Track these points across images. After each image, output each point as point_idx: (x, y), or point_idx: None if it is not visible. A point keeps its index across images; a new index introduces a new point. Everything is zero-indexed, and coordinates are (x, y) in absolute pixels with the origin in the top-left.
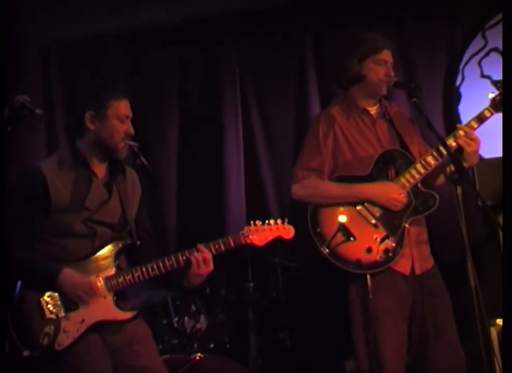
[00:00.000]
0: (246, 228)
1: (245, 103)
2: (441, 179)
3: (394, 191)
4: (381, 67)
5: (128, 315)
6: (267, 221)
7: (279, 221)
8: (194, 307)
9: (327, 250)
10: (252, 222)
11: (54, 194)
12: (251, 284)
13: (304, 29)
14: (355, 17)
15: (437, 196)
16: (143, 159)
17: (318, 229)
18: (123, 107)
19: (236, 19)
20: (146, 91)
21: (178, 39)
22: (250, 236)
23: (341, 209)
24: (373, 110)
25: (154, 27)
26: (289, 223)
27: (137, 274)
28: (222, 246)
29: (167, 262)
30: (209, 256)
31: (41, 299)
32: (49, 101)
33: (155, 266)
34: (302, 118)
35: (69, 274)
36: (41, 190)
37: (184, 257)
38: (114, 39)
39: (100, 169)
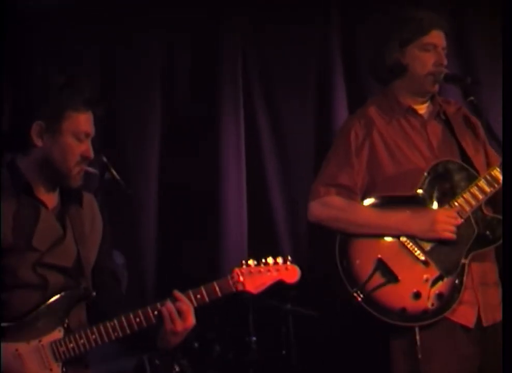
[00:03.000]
0: (236, 270)
1: (250, 100)
2: None
3: (443, 215)
4: (428, 53)
5: None
6: (263, 260)
7: (279, 260)
8: (177, 369)
9: (361, 295)
10: (243, 262)
11: None
12: (254, 338)
13: (329, 4)
14: None
15: None
16: (113, 172)
17: (349, 267)
18: (83, 121)
19: None
20: (120, 86)
21: (163, 15)
22: (242, 281)
23: (380, 240)
24: (422, 108)
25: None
26: (301, 258)
27: (94, 337)
28: (205, 296)
29: (133, 320)
30: (187, 307)
31: None
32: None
33: (117, 326)
34: (325, 120)
35: None
36: None
37: (156, 312)
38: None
39: (49, 196)
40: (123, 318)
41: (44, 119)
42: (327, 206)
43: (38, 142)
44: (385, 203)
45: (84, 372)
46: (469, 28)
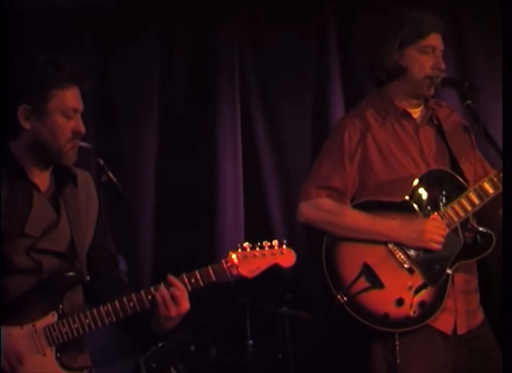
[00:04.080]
0: (231, 253)
1: (246, 99)
2: (500, 211)
3: (431, 225)
4: (427, 56)
5: None
6: (258, 243)
7: (275, 243)
8: (174, 372)
9: (344, 298)
10: (239, 246)
11: None
12: (250, 341)
13: (327, 3)
14: None
15: (493, 235)
16: (110, 174)
17: (335, 269)
18: (70, 98)
19: None
20: (117, 83)
21: (159, 10)
22: (236, 265)
23: (368, 245)
24: (416, 112)
25: None
26: (293, 249)
27: (87, 321)
28: (200, 280)
29: (126, 304)
30: (180, 292)
31: None
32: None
33: (110, 310)
34: (321, 121)
35: None
36: None
37: (150, 296)
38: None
39: (42, 178)
40: (117, 303)
41: (29, 102)
42: (318, 209)
43: (26, 125)
44: (375, 207)
45: (75, 357)
46: (467, 31)
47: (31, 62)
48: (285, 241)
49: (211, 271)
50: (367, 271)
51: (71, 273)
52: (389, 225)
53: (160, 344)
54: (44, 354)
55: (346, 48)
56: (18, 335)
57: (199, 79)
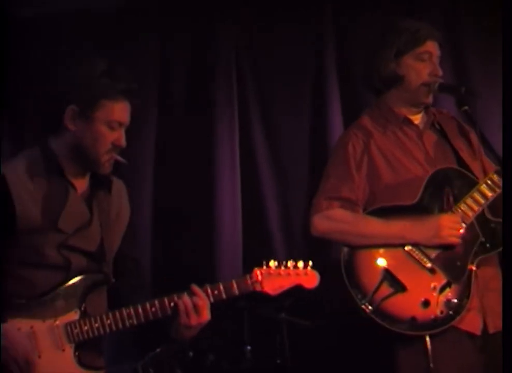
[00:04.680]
0: (256, 270)
1: (244, 107)
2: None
3: (447, 220)
4: (424, 63)
5: None
6: (284, 263)
7: (300, 264)
8: None
9: (370, 307)
10: (264, 263)
11: (21, 210)
12: (248, 347)
13: (323, 11)
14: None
15: None
16: None
17: (356, 279)
18: (118, 111)
19: None
20: None
21: (159, 10)
22: (260, 281)
23: (385, 250)
24: (417, 118)
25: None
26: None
27: (108, 322)
28: (223, 292)
29: (148, 309)
30: (203, 302)
31: None
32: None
33: (132, 313)
34: (320, 126)
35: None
36: (4, 206)
37: (172, 303)
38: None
39: (79, 180)
40: (139, 307)
41: (78, 104)
42: (331, 220)
43: (71, 126)
44: (388, 213)
45: (94, 357)
46: (463, 36)
47: (91, 67)
48: (310, 263)
49: (234, 285)
50: (389, 276)
51: (98, 274)
52: (403, 226)
53: (158, 350)
54: (63, 350)
55: (345, 56)
56: (40, 328)
57: (199, 79)
